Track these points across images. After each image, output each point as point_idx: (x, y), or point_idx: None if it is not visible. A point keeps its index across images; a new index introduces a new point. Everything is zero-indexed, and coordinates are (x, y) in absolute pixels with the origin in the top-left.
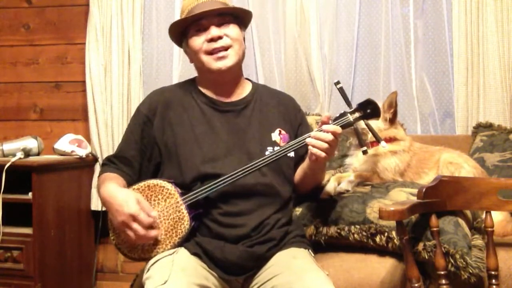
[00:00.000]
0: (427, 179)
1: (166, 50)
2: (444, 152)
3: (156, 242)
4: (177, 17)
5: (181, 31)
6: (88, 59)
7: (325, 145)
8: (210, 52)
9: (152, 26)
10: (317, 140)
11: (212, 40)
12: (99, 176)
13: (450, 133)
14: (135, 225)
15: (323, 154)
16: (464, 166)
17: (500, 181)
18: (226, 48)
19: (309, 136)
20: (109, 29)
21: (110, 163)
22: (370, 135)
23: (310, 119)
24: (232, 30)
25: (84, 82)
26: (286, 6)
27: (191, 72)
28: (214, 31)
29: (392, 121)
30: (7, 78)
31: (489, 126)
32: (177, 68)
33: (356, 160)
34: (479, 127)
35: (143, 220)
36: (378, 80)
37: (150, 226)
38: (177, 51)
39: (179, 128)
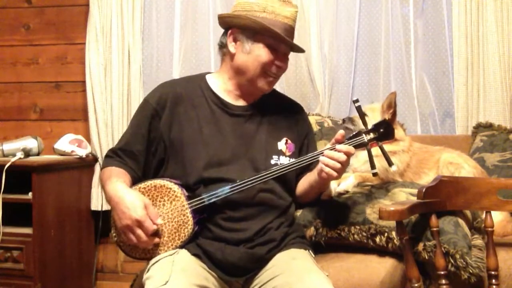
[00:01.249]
0: (427, 179)
1: (166, 50)
2: (444, 152)
3: (158, 244)
4: (177, 17)
5: (252, 30)
6: (88, 59)
7: (338, 165)
8: (267, 73)
9: (152, 26)
10: (330, 159)
11: (277, 66)
12: (102, 168)
13: (450, 133)
14: (139, 231)
15: (335, 174)
16: (464, 166)
17: (500, 181)
18: (277, 77)
19: (322, 154)
20: (109, 29)
21: (115, 156)
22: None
23: (310, 119)
24: (287, 65)
25: (84, 82)
26: None
27: (191, 72)
28: (285, 64)
29: (392, 121)
30: (7, 78)
31: (489, 126)
32: (177, 68)
33: (356, 161)
34: (479, 127)
35: (148, 227)
36: (378, 80)
37: (154, 233)
38: (177, 51)
39: (187, 126)
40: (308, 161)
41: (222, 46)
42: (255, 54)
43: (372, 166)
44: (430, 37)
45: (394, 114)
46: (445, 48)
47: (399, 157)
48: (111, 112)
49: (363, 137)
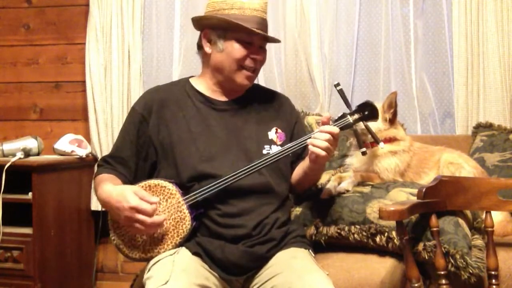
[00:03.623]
0: (427, 179)
1: (166, 50)
2: (444, 152)
3: (157, 242)
4: (177, 17)
5: (221, 28)
6: (88, 59)
7: (325, 144)
8: (244, 67)
9: (152, 26)
10: (316, 139)
11: (253, 59)
12: (94, 178)
13: (450, 133)
14: (140, 216)
15: (322, 153)
16: (464, 167)
17: (500, 181)
18: (255, 70)
19: (310, 137)
20: (109, 29)
21: (106, 164)
22: (369, 136)
23: (310, 119)
24: (265, 56)
25: (84, 82)
26: (286, 6)
27: (191, 72)
28: (260, 55)
29: (392, 121)
30: (7, 78)
31: (489, 126)
32: (177, 68)
33: (356, 160)
34: (479, 127)
35: (146, 209)
36: (378, 80)
37: (155, 213)
38: (177, 51)
39: (175, 127)
40: (300, 145)
41: (199, 48)
42: (228, 51)
43: (360, 146)
44: (430, 37)
45: (394, 114)
46: (445, 48)
47: (400, 157)
48: (111, 112)
49: (348, 118)
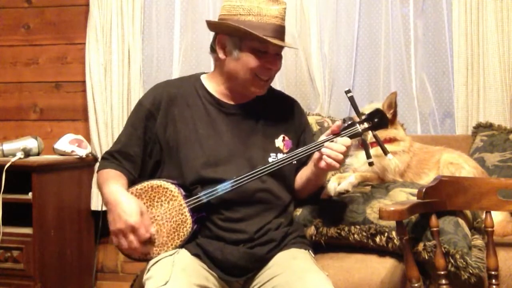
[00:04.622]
0: (427, 179)
1: (166, 50)
2: (444, 152)
3: (157, 243)
4: (177, 17)
5: (237, 36)
6: (88, 59)
7: (341, 156)
8: (259, 77)
9: (152, 26)
10: (332, 150)
11: (268, 69)
12: (99, 170)
13: (450, 133)
14: (132, 237)
15: (337, 165)
16: (464, 167)
17: (500, 181)
18: (269, 79)
19: (322, 146)
20: (109, 29)
21: (112, 158)
22: (370, 136)
23: (310, 119)
24: (280, 63)
25: (84, 82)
26: (286, 6)
27: (191, 72)
28: (276, 65)
29: (392, 121)
30: (7, 78)
31: (489, 126)
32: (177, 68)
33: (356, 161)
34: (479, 127)
35: (142, 234)
36: (378, 80)
37: (145, 242)
38: (177, 51)
39: (182, 126)
40: (306, 153)
41: (213, 50)
42: (243, 60)
43: (368, 156)
44: (430, 37)
45: (394, 114)
46: (445, 48)
47: (400, 158)
48: (111, 112)
49: (357, 127)
